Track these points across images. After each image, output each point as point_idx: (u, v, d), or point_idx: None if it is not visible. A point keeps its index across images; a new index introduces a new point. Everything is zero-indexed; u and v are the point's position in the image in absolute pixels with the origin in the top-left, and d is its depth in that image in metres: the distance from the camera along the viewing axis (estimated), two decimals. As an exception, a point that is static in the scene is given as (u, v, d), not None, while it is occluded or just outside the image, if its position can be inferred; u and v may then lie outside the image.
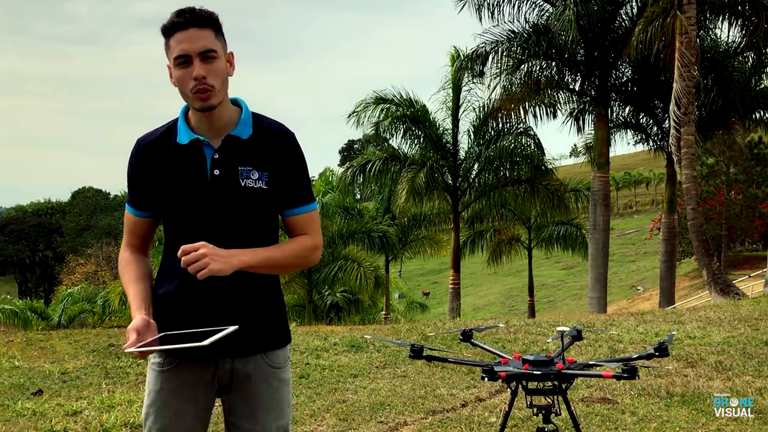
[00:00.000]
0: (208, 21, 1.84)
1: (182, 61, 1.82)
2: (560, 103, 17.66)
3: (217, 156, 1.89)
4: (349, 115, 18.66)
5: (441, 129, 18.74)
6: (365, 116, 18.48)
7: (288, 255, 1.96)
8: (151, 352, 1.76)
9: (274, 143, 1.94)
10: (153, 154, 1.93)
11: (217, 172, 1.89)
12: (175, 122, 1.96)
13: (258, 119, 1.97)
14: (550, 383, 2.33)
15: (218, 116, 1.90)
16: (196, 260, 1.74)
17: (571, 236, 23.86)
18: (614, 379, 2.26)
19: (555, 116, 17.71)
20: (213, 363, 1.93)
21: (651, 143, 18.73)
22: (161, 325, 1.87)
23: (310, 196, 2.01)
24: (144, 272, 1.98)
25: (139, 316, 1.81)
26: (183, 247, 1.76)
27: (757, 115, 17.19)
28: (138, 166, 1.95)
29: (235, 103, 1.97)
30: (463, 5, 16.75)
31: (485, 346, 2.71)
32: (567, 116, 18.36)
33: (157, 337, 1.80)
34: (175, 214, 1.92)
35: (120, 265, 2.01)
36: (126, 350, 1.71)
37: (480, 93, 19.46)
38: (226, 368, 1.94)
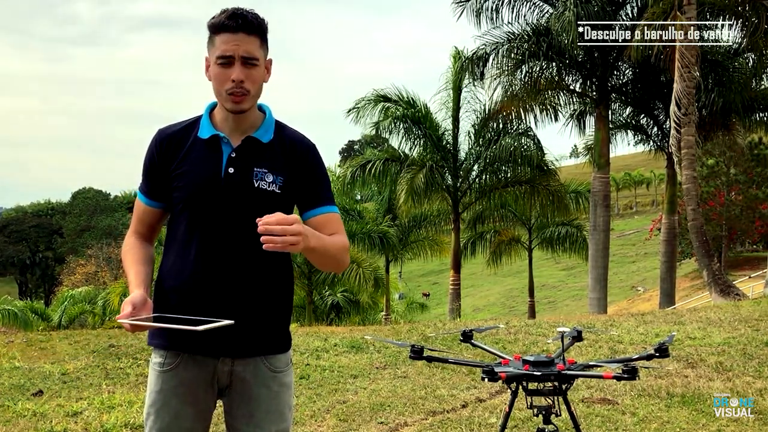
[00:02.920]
0: (258, 29, 1.87)
1: (225, 61, 1.85)
2: (561, 104, 17.67)
3: (234, 155, 1.91)
4: (349, 111, 18.66)
5: (441, 129, 18.74)
6: (365, 113, 18.50)
7: (338, 248, 1.92)
8: (143, 327, 1.77)
9: (293, 150, 1.97)
10: (172, 146, 1.95)
11: (231, 170, 1.90)
12: (198, 118, 1.98)
13: (280, 127, 2.00)
14: (550, 384, 2.33)
15: (244, 118, 1.93)
16: (293, 234, 1.65)
17: (572, 237, 23.85)
18: (614, 380, 2.26)
19: (556, 118, 17.72)
20: (212, 364, 1.93)
21: (651, 144, 18.74)
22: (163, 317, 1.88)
23: (331, 200, 2.01)
24: (147, 256, 1.99)
25: (137, 291, 1.82)
26: (277, 217, 1.65)
27: (758, 116, 17.19)
28: (156, 157, 1.96)
29: (260, 109, 2.00)
30: (462, 12, 16.77)
31: (485, 347, 2.71)
32: (568, 117, 18.38)
33: (151, 316, 1.80)
34: (186, 207, 1.92)
35: (124, 249, 2.02)
36: (118, 320, 1.73)
37: (480, 94, 19.50)
38: (225, 370, 1.93)
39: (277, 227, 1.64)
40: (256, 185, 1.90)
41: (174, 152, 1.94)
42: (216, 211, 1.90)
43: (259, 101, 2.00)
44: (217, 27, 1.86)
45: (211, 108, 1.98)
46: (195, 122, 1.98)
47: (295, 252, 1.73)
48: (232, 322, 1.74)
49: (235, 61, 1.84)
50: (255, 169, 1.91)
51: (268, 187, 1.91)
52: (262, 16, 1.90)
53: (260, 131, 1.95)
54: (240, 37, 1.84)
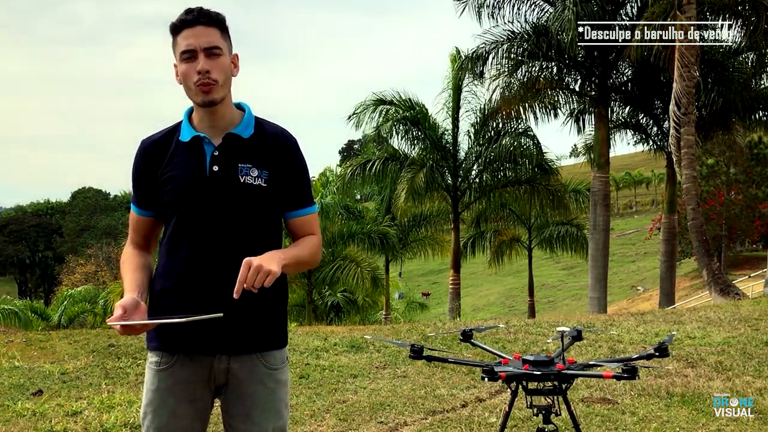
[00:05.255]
0: (215, 21, 1.92)
1: (188, 56, 1.88)
2: (560, 104, 17.67)
3: (217, 153, 1.93)
4: (349, 117, 18.69)
5: (441, 129, 18.75)
6: (365, 118, 18.51)
7: (308, 253, 2.01)
8: (133, 330, 1.79)
9: (275, 145, 1.99)
10: (156, 154, 1.98)
11: (216, 168, 1.92)
12: (178, 124, 2.01)
13: (260, 123, 2.02)
14: (550, 383, 2.33)
15: (220, 114, 1.95)
16: (255, 276, 1.75)
17: (572, 236, 23.86)
18: (614, 380, 2.26)
19: (555, 117, 17.72)
20: (208, 362, 1.94)
21: (651, 143, 18.72)
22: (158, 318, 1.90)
23: (311, 199, 2.07)
24: (143, 264, 2.02)
25: (128, 295, 1.85)
26: (237, 285, 1.76)
27: (757, 115, 17.17)
28: (141, 166, 2.00)
29: (239, 107, 2.02)
30: (464, 8, 16.76)
31: (485, 347, 2.71)
32: (567, 116, 18.37)
33: (144, 320, 1.81)
34: (175, 209, 1.94)
35: (122, 259, 2.06)
36: (109, 323, 1.75)
37: (480, 94, 19.51)
38: (222, 368, 1.95)
39: (250, 280, 1.75)
40: (242, 180, 1.93)
41: (158, 159, 1.97)
42: (204, 210, 1.92)
43: (247, 101, 2.03)
44: (176, 27, 1.91)
45: (189, 112, 2.01)
46: (175, 128, 2.01)
47: (278, 273, 1.80)
48: (221, 315, 1.78)
49: (198, 54, 1.88)
50: (239, 165, 1.94)
51: (254, 181, 1.93)
52: (218, 11, 1.95)
53: (240, 127, 1.97)
54: (199, 29, 1.89)
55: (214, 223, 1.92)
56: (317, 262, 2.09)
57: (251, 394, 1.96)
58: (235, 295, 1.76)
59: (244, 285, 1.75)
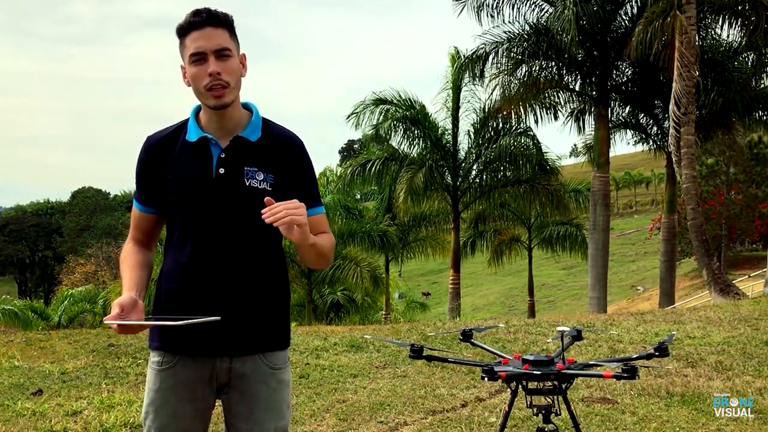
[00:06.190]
0: (224, 22, 1.90)
1: (198, 58, 1.86)
2: (560, 104, 17.67)
3: (223, 155, 1.92)
4: (348, 116, 18.67)
5: (441, 129, 18.73)
6: (364, 117, 18.50)
7: (327, 243, 1.99)
8: (130, 328, 1.79)
9: (282, 148, 1.98)
10: (161, 152, 1.96)
11: (222, 170, 1.92)
12: (185, 122, 2.00)
13: (268, 125, 2.01)
14: (550, 383, 2.33)
15: (229, 116, 1.93)
16: (282, 210, 1.74)
17: (571, 236, 23.85)
18: (614, 379, 2.26)
19: (556, 117, 17.72)
20: (210, 362, 1.94)
21: (651, 143, 18.74)
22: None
23: (318, 200, 2.06)
24: (143, 261, 2.00)
25: (126, 293, 1.84)
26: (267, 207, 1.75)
27: (757, 115, 17.17)
28: (146, 163, 1.98)
29: (246, 107, 2.01)
30: (462, 8, 16.76)
31: (485, 346, 2.71)
32: (567, 116, 18.37)
33: (142, 319, 1.81)
34: (179, 210, 1.94)
35: (121, 256, 2.04)
36: (106, 322, 1.74)
37: (480, 93, 19.49)
38: (224, 367, 1.95)
39: (279, 207, 1.73)
40: (247, 184, 1.92)
41: (163, 158, 1.96)
42: (209, 212, 1.91)
43: (251, 101, 2.02)
44: (184, 28, 1.89)
45: (197, 111, 1.99)
46: (182, 126, 1.99)
47: (299, 238, 1.78)
48: (218, 318, 1.78)
49: (208, 56, 1.86)
50: (245, 168, 1.92)
51: (259, 185, 1.92)
52: (227, 11, 1.93)
53: (248, 130, 1.95)
54: (208, 31, 1.86)
55: (218, 226, 1.91)
56: (331, 259, 2.06)
57: (254, 393, 1.96)
58: (262, 216, 1.74)
59: (267, 214, 1.73)
